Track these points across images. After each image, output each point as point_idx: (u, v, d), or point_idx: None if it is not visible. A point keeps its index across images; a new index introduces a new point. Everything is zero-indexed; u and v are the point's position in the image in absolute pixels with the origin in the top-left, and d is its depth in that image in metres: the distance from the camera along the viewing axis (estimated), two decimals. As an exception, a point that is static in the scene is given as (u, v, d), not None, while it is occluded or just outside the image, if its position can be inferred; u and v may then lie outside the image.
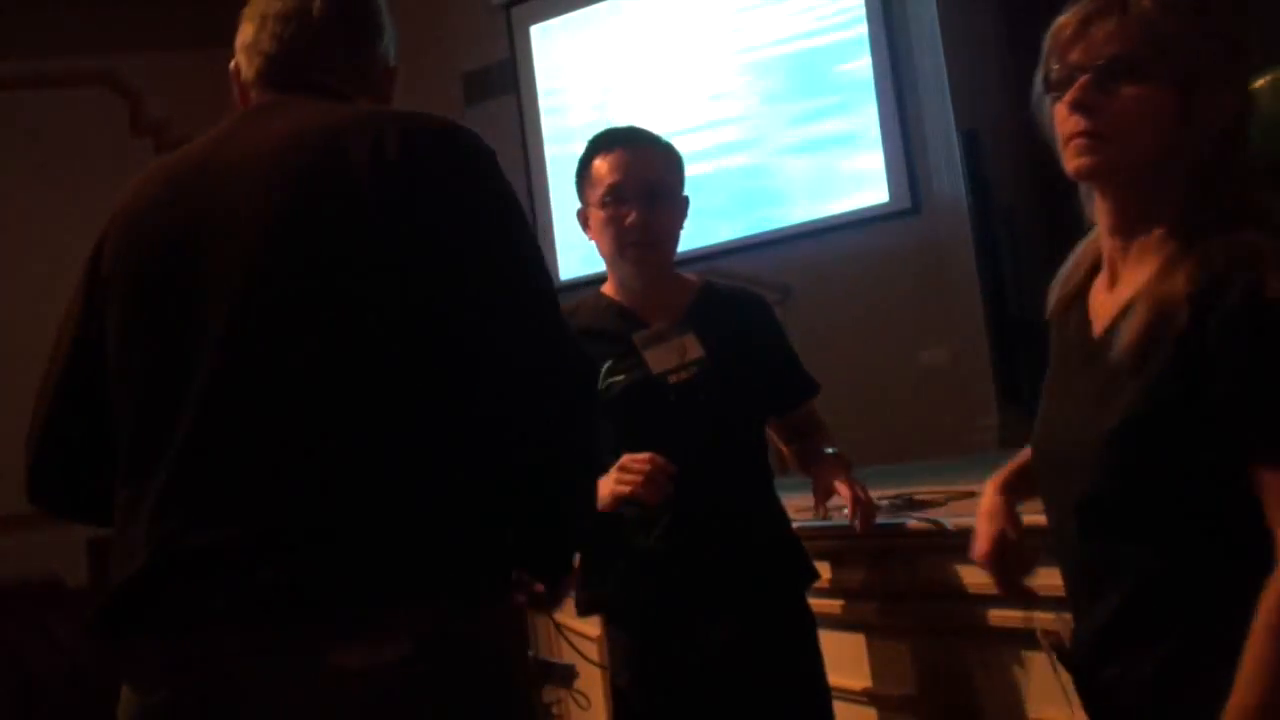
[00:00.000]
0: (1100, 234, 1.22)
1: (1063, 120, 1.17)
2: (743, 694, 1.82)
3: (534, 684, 1.69)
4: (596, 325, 1.94)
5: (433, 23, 5.72)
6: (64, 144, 5.55)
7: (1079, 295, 1.26)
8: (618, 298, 1.99)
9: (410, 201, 1.12)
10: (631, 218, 1.89)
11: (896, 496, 2.21)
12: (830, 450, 1.99)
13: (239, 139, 1.22)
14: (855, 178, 4.80)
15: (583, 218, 1.99)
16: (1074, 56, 1.15)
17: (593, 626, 2.74)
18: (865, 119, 4.77)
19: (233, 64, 1.35)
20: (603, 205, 1.92)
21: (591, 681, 2.59)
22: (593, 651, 2.48)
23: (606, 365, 1.87)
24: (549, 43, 5.54)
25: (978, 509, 1.37)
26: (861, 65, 4.79)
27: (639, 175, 1.91)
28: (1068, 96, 1.15)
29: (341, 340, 1.10)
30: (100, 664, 1.16)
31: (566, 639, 2.26)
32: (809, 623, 1.93)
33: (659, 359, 1.88)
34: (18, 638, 4.04)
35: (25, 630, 4.05)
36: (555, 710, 2.42)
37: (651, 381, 1.86)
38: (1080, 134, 1.15)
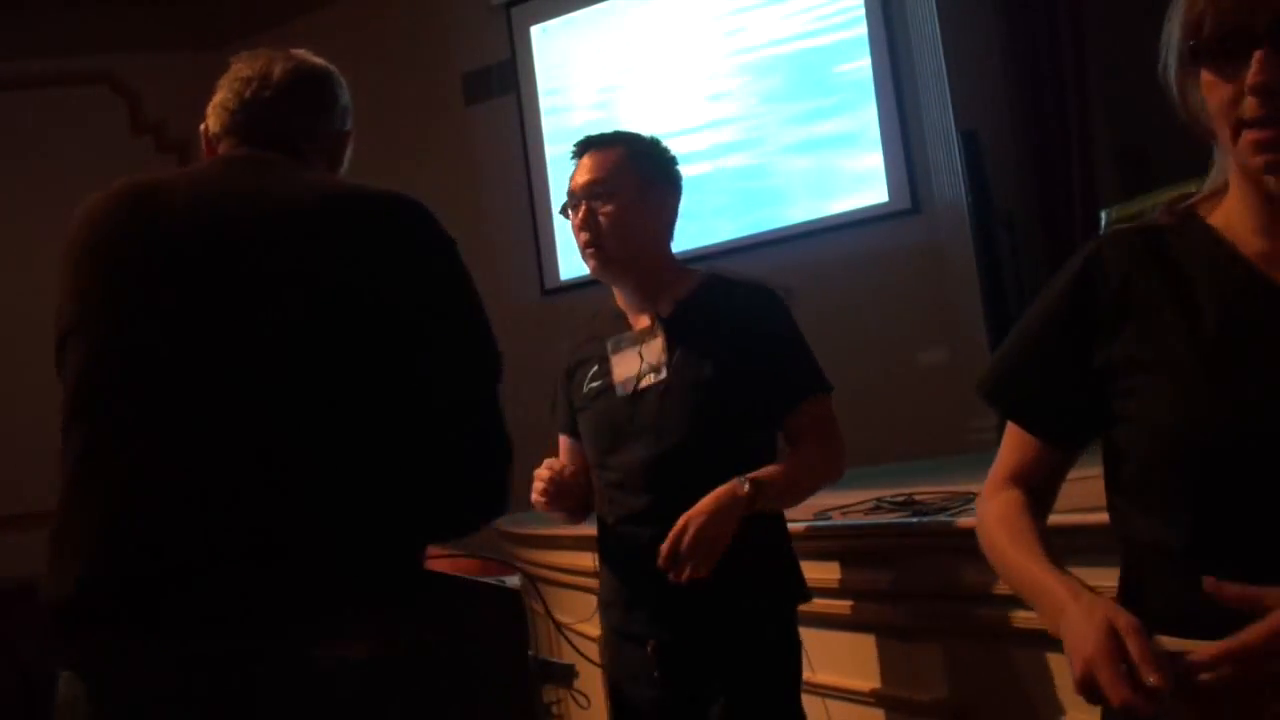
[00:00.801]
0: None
1: (1227, 103, 0.98)
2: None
3: (531, 684, 1.69)
4: (597, 330, 1.96)
5: (433, 23, 5.72)
6: (64, 144, 5.55)
7: (1216, 261, 1.06)
8: (619, 301, 1.99)
9: (359, 266, 1.21)
10: (575, 224, 1.91)
11: (896, 496, 2.21)
12: (746, 480, 1.72)
13: (218, 185, 1.30)
14: (855, 178, 4.80)
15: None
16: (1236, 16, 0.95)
17: (593, 626, 2.74)
18: (865, 119, 4.77)
19: (203, 125, 1.46)
20: (564, 211, 1.96)
21: (591, 681, 2.59)
22: (593, 651, 2.48)
23: (591, 371, 1.91)
24: (549, 43, 5.54)
25: (1077, 644, 0.96)
26: (861, 65, 4.79)
27: (579, 182, 1.92)
28: (1253, 76, 0.94)
29: (310, 388, 1.18)
30: (56, 658, 1.20)
31: (566, 639, 2.26)
32: (784, 651, 1.82)
33: (622, 365, 1.89)
34: (17, 638, 4.04)
35: (25, 630, 4.05)
36: (555, 710, 2.42)
37: (612, 389, 1.87)
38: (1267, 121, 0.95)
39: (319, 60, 1.53)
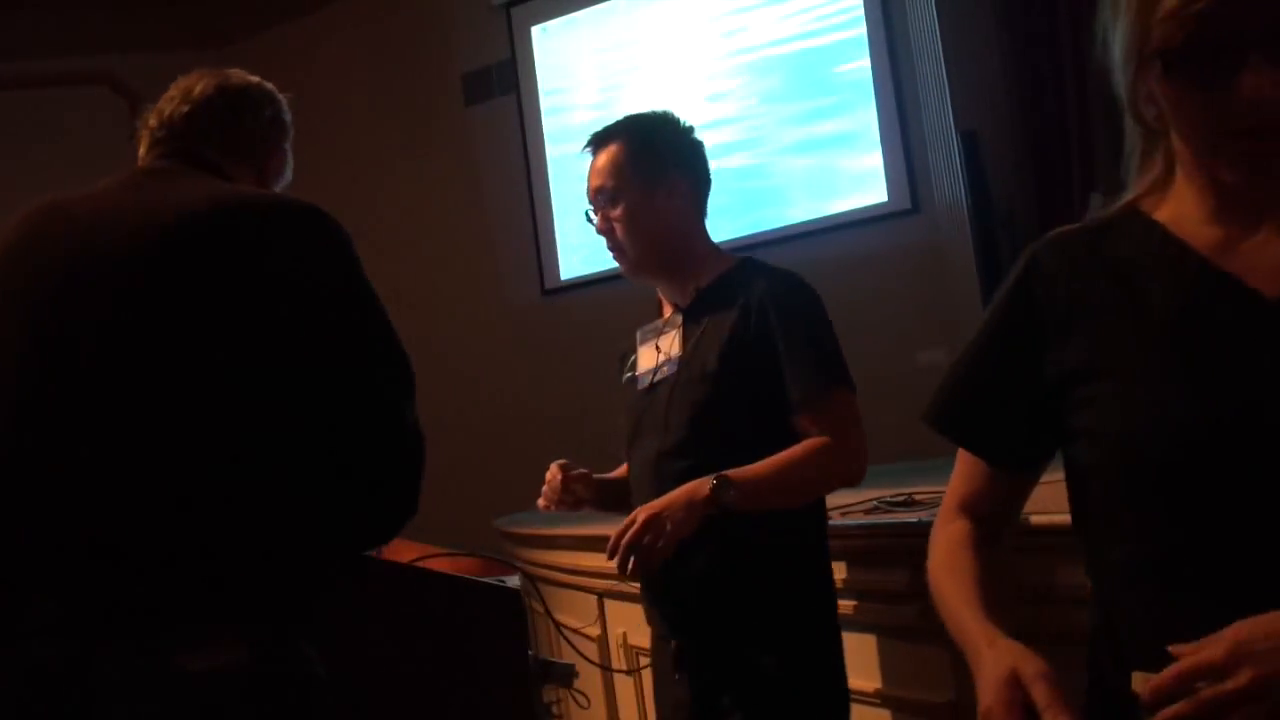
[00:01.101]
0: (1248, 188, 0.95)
1: (1201, 110, 0.91)
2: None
3: (531, 684, 1.69)
4: (647, 319, 1.92)
5: (433, 23, 5.72)
6: (64, 144, 5.55)
7: (1175, 262, 0.99)
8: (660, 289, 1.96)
9: (259, 276, 1.21)
10: (597, 229, 1.87)
11: (896, 496, 2.21)
12: (713, 476, 1.62)
13: (114, 198, 1.32)
14: (855, 178, 4.80)
15: None
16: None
17: (593, 626, 2.74)
18: (864, 119, 4.77)
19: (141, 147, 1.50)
20: (593, 224, 1.92)
21: (592, 681, 2.59)
22: (592, 651, 2.48)
23: (630, 361, 1.88)
24: (549, 43, 5.54)
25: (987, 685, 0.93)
26: (861, 66, 4.79)
27: (590, 186, 1.88)
28: (1258, 90, 0.86)
29: (194, 399, 1.17)
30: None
31: (566, 639, 2.26)
32: (810, 674, 1.72)
33: (644, 357, 1.87)
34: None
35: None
36: (555, 710, 2.42)
37: (634, 381, 1.84)
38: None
39: (250, 79, 1.55)
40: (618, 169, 1.84)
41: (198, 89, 1.48)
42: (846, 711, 1.79)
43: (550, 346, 5.29)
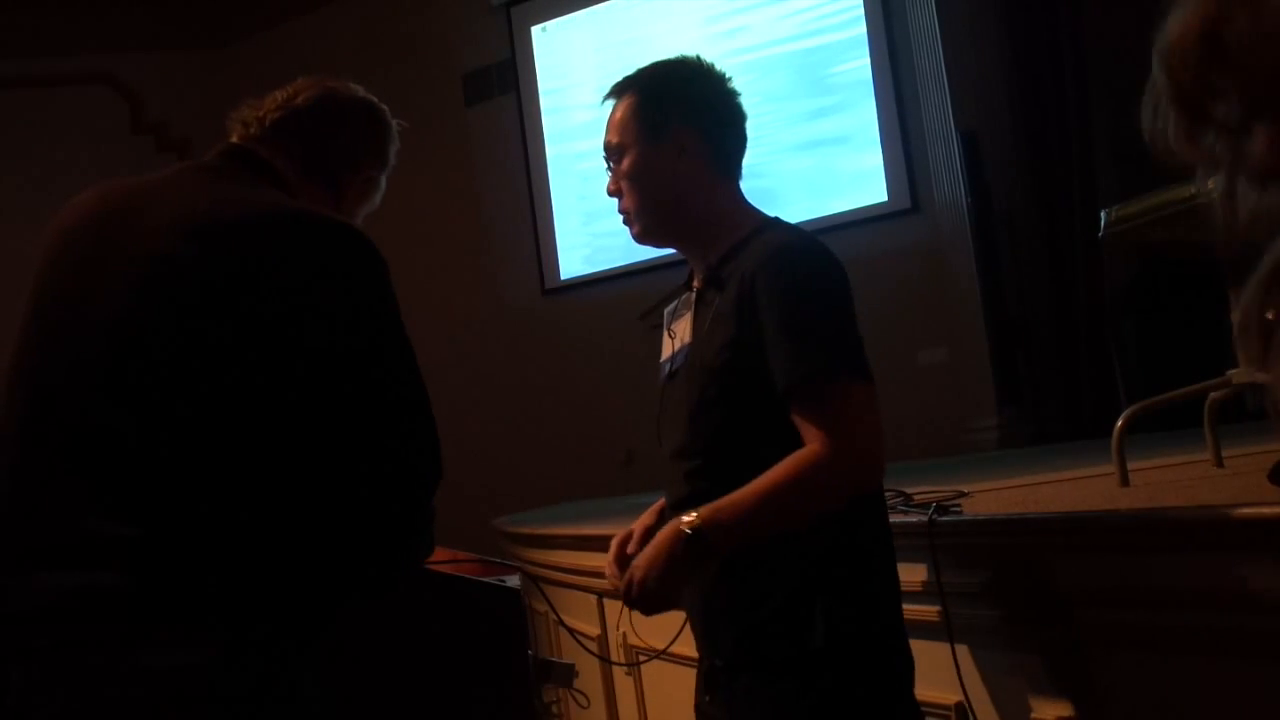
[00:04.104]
0: None
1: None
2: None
3: (531, 683, 1.69)
4: (670, 297, 1.72)
5: (433, 23, 5.73)
6: (64, 144, 5.55)
7: None
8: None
9: (290, 288, 1.19)
10: (608, 190, 1.65)
11: (895, 495, 2.21)
12: (691, 517, 1.42)
13: (166, 190, 1.29)
14: (854, 178, 4.80)
15: None
16: None
17: (593, 626, 2.74)
18: (864, 119, 4.78)
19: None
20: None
21: (592, 681, 2.59)
22: (593, 650, 2.48)
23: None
24: (549, 42, 5.54)
25: None
26: (861, 65, 4.80)
27: (605, 140, 1.65)
28: None
29: (194, 391, 1.16)
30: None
31: (571, 633, 2.26)
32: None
33: (665, 343, 1.66)
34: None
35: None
36: (555, 710, 2.42)
37: (659, 370, 1.66)
38: None
39: (361, 98, 1.49)
40: (625, 121, 1.63)
41: (301, 97, 1.43)
42: None
43: (550, 346, 5.29)
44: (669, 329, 1.63)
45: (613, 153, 1.61)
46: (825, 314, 1.52)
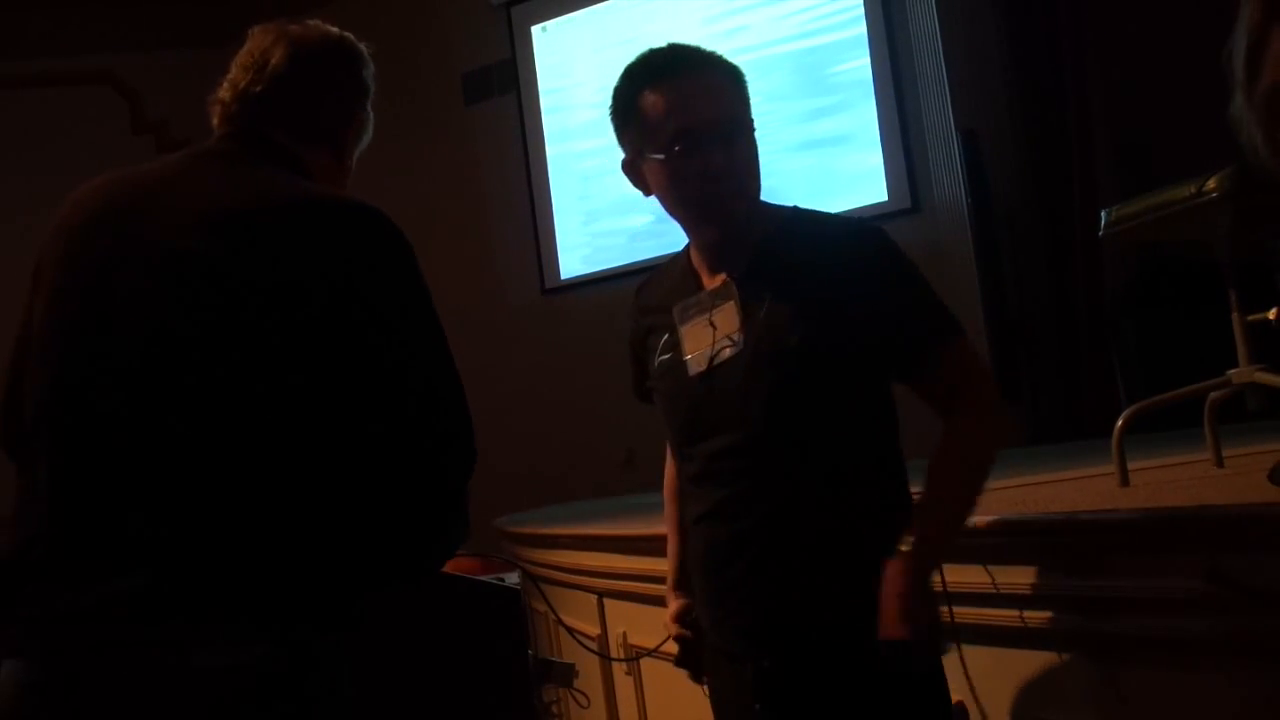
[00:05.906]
0: None
1: None
2: None
3: (531, 683, 1.69)
4: (661, 296, 1.63)
5: (433, 23, 5.72)
6: (64, 144, 5.55)
7: None
8: (693, 256, 1.63)
9: (318, 277, 1.18)
10: (715, 165, 1.49)
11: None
12: (905, 554, 1.36)
13: (180, 182, 1.28)
14: (855, 177, 4.80)
15: (632, 169, 1.61)
16: None
17: (593, 626, 2.74)
18: (865, 119, 4.78)
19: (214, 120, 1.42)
20: (670, 154, 1.52)
21: (592, 681, 2.59)
22: (593, 649, 2.48)
23: (662, 341, 1.61)
24: (549, 42, 5.54)
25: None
26: (861, 65, 4.80)
27: (712, 113, 1.51)
28: None
29: (234, 388, 1.16)
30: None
31: (571, 633, 2.26)
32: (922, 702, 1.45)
33: (693, 338, 1.55)
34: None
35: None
36: (555, 710, 2.42)
37: (683, 365, 1.55)
38: None
39: (328, 37, 1.45)
40: (743, 100, 1.54)
41: (273, 62, 1.36)
42: None
43: (550, 346, 5.29)
44: (704, 321, 1.52)
45: (736, 124, 1.51)
46: (924, 282, 1.57)
